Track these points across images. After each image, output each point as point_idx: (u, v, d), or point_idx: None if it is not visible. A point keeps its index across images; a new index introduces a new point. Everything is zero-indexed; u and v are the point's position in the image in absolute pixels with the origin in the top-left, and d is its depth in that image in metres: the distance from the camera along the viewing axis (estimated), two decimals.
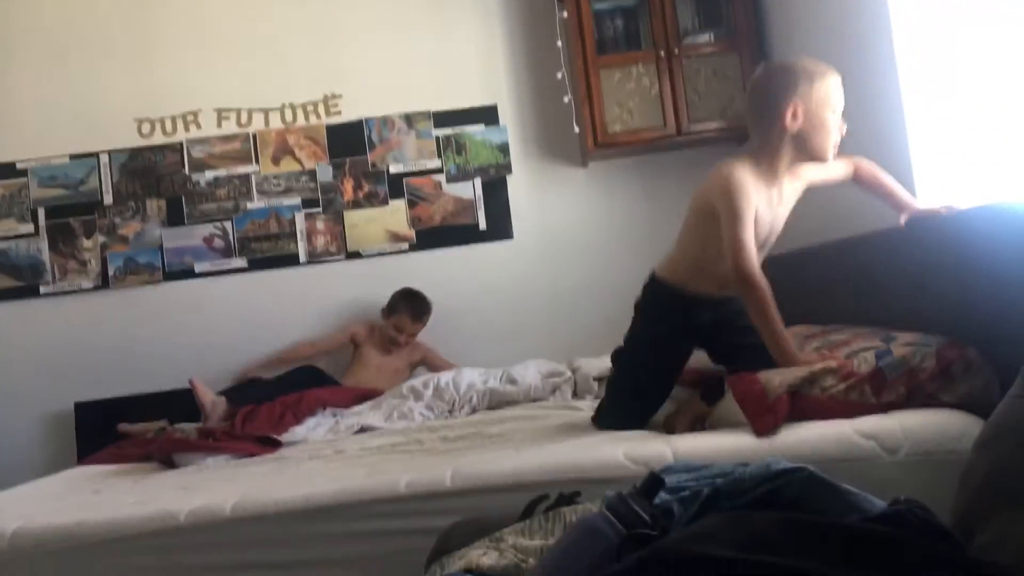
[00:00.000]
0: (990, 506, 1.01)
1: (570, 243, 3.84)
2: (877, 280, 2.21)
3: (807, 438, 1.66)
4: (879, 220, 2.22)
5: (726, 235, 1.89)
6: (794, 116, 1.89)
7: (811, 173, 2.05)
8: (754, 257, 1.87)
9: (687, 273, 2.09)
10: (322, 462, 2.16)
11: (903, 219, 2.05)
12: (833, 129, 1.92)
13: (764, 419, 1.69)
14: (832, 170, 2.07)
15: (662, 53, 3.45)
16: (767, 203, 1.97)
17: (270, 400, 2.91)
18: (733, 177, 1.92)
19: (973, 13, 2.16)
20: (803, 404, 1.72)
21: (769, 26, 3.45)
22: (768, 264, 1.99)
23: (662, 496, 0.99)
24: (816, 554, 0.64)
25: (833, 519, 0.73)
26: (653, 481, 0.92)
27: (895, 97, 2.35)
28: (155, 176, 3.85)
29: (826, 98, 1.91)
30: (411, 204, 3.86)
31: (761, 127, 1.97)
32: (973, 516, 1.02)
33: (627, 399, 2.13)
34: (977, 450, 1.10)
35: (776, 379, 1.74)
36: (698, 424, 2.00)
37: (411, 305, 3.56)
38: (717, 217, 1.94)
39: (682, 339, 2.13)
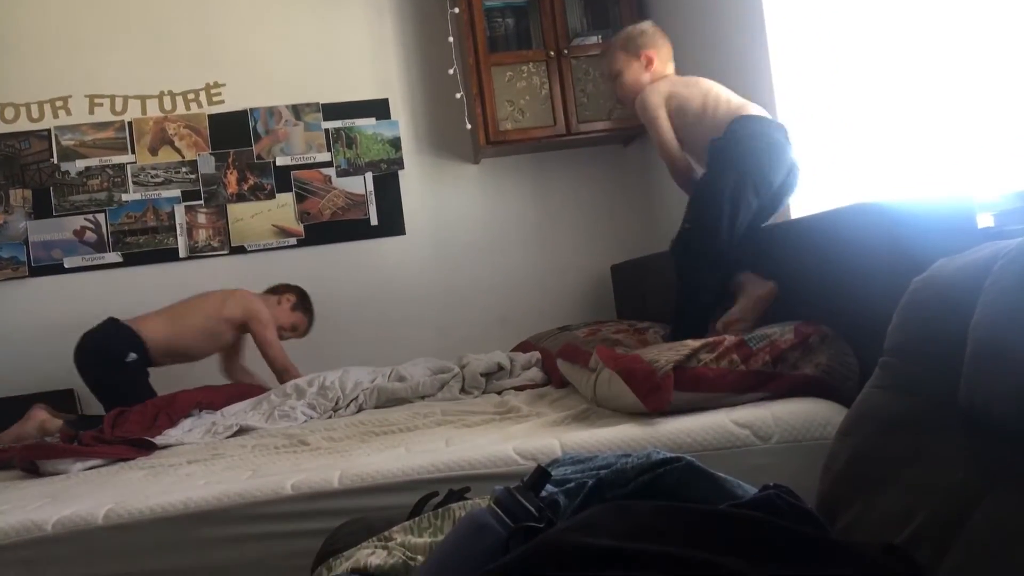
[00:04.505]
0: (851, 490, 1.08)
1: (462, 239, 3.84)
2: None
3: (687, 428, 1.72)
4: None
5: None
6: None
7: None
8: None
9: None
10: (201, 465, 2.08)
11: None
12: None
13: (655, 396, 1.76)
14: None
15: (552, 53, 3.50)
16: None
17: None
18: None
19: (844, 30, 2.31)
20: (683, 375, 1.79)
21: None
22: (645, 263, 2.01)
23: (549, 489, 1.01)
24: (690, 540, 0.67)
25: (706, 506, 0.76)
26: (540, 475, 0.93)
27: (769, 97, 2.48)
28: (19, 165, 3.60)
29: None
30: (299, 198, 3.77)
31: None
32: (836, 499, 1.10)
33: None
34: (840, 438, 1.17)
35: (662, 358, 1.81)
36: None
37: (312, 314, 3.44)
38: None
39: None
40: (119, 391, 2.96)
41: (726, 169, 2.15)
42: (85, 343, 3.10)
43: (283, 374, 3.19)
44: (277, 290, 3.41)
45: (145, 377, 3.12)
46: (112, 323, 3.13)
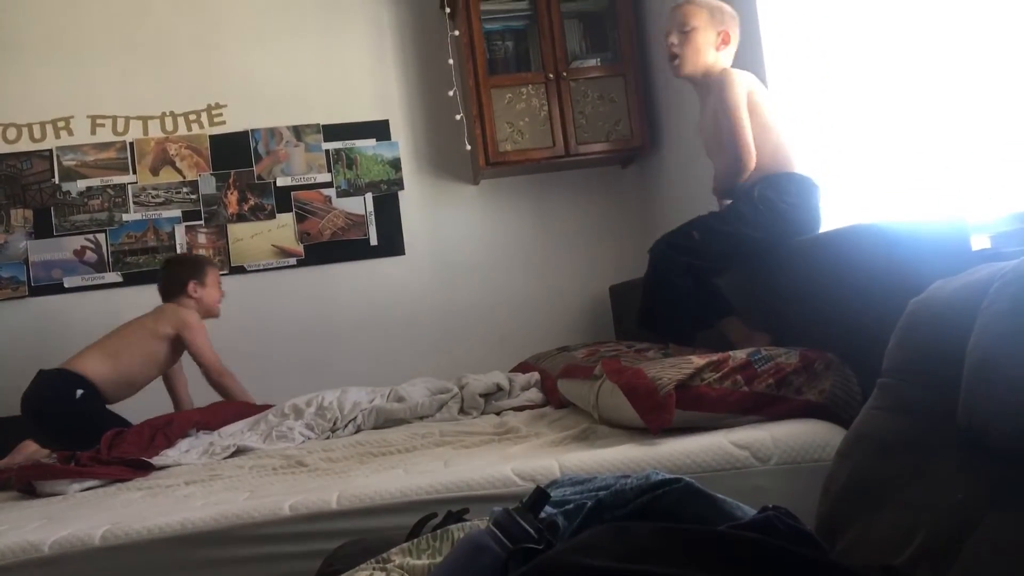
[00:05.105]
0: (850, 511, 1.08)
1: (461, 260, 3.85)
2: (755, 298, 2.32)
3: (687, 449, 1.72)
4: None
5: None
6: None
7: None
8: None
9: None
10: (198, 486, 2.07)
11: None
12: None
13: (656, 415, 1.75)
14: None
15: (551, 75, 3.53)
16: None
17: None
18: None
19: (838, 54, 2.33)
20: (684, 394, 1.78)
21: (652, 52, 3.59)
22: None
23: (548, 510, 1.01)
24: (689, 561, 0.67)
25: (705, 527, 0.76)
26: (539, 496, 0.93)
27: None
28: (20, 185, 3.62)
29: None
30: (299, 218, 3.78)
31: None
32: (835, 520, 1.09)
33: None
34: (838, 459, 1.17)
35: (664, 376, 1.80)
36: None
37: (207, 259, 3.36)
38: None
39: None
40: (92, 423, 2.82)
41: (772, 225, 2.15)
42: (28, 404, 2.99)
43: (219, 377, 3.10)
44: (175, 289, 3.22)
45: (102, 405, 3.03)
46: (43, 374, 3.04)
